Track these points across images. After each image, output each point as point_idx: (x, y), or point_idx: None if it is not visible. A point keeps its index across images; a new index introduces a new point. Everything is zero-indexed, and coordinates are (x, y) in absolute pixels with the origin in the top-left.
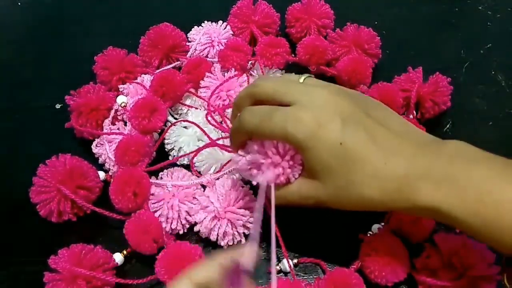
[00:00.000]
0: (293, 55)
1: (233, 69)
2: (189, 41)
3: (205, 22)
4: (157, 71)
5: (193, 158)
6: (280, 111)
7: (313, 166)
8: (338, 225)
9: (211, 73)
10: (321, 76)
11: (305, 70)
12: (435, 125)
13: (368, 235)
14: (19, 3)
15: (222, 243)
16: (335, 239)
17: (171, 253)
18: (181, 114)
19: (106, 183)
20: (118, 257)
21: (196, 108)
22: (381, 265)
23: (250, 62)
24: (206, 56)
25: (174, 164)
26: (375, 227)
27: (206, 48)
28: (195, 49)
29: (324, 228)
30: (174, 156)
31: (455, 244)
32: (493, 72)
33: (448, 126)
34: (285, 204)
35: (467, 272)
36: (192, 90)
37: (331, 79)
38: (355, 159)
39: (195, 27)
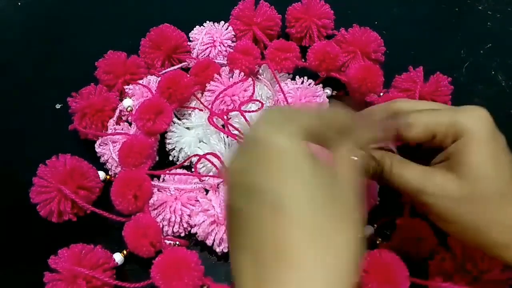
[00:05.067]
0: (303, 60)
1: (238, 73)
2: (191, 41)
3: (207, 22)
4: (163, 71)
5: (196, 163)
6: (459, 107)
7: (469, 161)
8: None
9: (220, 75)
10: (331, 82)
11: (315, 76)
12: None
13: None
14: (19, 3)
15: (218, 249)
16: None
17: (167, 259)
18: (185, 114)
19: (106, 183)
20: (118, 257)
21: (201, 110)
22: (379, 282)
23: (257, 66)
24: (208, 56)
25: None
26: (369, 229)
27: (208, 48)
28: (199, 49)
29: None
30: (174, 156)
31: (469, 248)
32: (493, 72)
33: None
34: (401, 185)
35: (481, 276)
36: (199, 92)
37: (341, 86)
38: None
39: (197, 26)
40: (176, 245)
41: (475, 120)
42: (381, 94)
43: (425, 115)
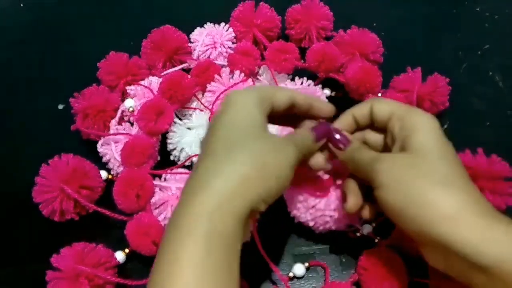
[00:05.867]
0: (302, 61)
1: (238, 74)
2: (191, 42)
3: (208, 23)
4: (164, 72)
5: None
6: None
7: (418, 139)
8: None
9: (220, 76)
10: (330, 82)
11: (314, 77)
12: None
13: (358, 235)
14: (21, 4)
15: None
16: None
17: None
18: (186, 115)
19: (108, 182)
20: (120, 256)
21: (202, 110)
22: (378, 280)
23: (257, 67)
24: (208, 58)
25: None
26: (368, 227)
27: (208, 49)
28: (199, 51)
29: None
30: (176, 156)
31: None
32: (490, 73)
33: (446, 126)
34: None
35: None
36: (200, 93)
37: (340, 87)
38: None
39: (198, 28)
40: None
41: (423, 116)
42: (379, 94)
43: (392, 101)
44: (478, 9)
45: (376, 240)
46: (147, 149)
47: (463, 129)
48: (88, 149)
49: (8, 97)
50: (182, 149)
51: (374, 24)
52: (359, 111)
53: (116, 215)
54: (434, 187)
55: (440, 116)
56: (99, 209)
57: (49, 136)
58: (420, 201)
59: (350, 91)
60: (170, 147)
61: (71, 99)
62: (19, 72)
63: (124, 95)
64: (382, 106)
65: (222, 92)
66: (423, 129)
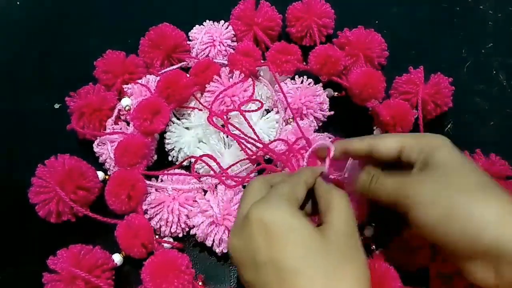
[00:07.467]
0: (304, 63)
1: (238, 74)
2: (190, 40)
3: (207, 21)
4: (163, 71)
5: (194, 164)
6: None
7: (441, 159)
8: None
9: (220, 76)
10: (332, 86)
11: (316, 79)
12: (436, 126)
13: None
14: (18, 3)
15: (217, 250)
16: None
17: (158, 261)
18: (184, 114)
19: (105, 183)
20: (117, 258)
21: (200, 110)
22: None
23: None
24: (207, 56)
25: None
26: (370, 229)
27: (207, 47)
28: (198, 49)
29: None
30: (174, 156)
31: None
32: (494, 72)
33: (449, 126)
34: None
35: None
36: (199, 93)
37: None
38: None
39: (197, 26)
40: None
41: (437, 136)
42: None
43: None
44: (481, 7)
45: (373, 248)
46: (141, 149)
47: (466, 128)
48: (85, 150)
49: (5, 96)
50: (180, 149)
51: (376, 22)
52: (356, 149)
53: (108, 219)
54: (475, 198)
55: (443, 116)
56: (90, 214)
57: (46, 136)
58: (464, 213)
59: (352, 96)
60: (168, 147)
61: (66, 98)
62: (15, 72)
63: (121, 94)
64: (387, 142)
65: (221, 92)
66: (443, 147)
